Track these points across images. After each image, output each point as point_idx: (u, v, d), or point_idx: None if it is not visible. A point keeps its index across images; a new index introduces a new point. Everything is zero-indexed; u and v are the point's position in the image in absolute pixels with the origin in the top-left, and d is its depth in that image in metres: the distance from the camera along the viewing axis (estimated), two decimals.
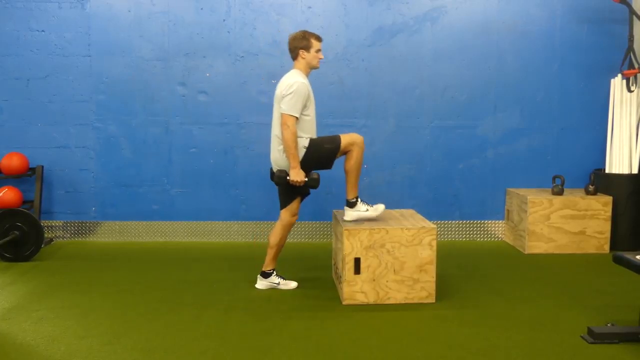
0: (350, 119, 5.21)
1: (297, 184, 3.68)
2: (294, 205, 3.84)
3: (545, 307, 3.57)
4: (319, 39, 3.80)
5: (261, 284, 3.93)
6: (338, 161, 5.23)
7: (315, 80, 4.99)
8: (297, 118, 3.63)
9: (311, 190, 3.91)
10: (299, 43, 3.76)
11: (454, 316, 3.41)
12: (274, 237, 3.88)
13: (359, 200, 3.84)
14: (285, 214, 3.87)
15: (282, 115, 3.64)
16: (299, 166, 3.67)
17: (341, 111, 5.21)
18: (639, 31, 5.09)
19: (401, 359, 2.85)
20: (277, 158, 3.78)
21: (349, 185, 3.84)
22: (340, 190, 5.21)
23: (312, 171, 3.77)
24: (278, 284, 3.91)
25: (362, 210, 3.81)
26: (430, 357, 2.87)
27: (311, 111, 3.77)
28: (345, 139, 3.77)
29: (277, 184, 3.79)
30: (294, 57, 3.81)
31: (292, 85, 3.64)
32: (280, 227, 3.87)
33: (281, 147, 3.73)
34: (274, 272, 3.94)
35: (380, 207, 3.84)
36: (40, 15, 5.10)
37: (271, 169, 3.88)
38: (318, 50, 3.79)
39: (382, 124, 5.22)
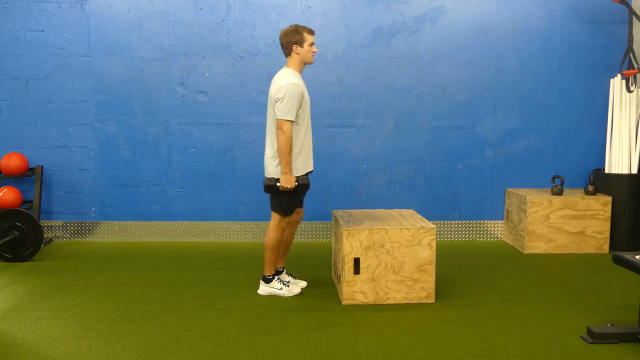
0: (349, 119, 5.20)
1: (288, 190, 3.57)
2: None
3: (544, 307, 3.57)
4: (311, 32, 3.62)
5: (262, 289, 3.80)
6: (337, 162, 5.25)
7: (315, 81, 5.01)
8: (292, 121, 3.50)
9: (312, 190, 3.89)
10: (292, 38, 3.58)
11: (453, 316, 3.41)
12: (266, 238, 3.76)
13: (276, 278, 3.77)
14: (275, 217, 3.70)
15: (277, 120, 3.51)
16: (290, 172, 3.54)
17: (340, 111, 5.21)
18: (639, 31, 5.09)
19: (400, 359, 2.85)
20: (266, 164, 3.65)
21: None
22: (340, 191, 5.24)
23: (302, 175, 3.64)
24: (280, 289, 3.76)
25: (276, 287, 3.75)
26: (429, 357, 2.87)
27: (305, 112, 3.61)
28: (283, 220, 3.68)
29: (266, 192, 3.64)
30: (287, 53, 3.63)
31: (283, 88, 3.47)
32: (271, 228, 3.73)
33: (270, 151, 3.60)
34: (279, 274, 3.86)
35: (299, 285, 3.82)
36: (39, 16, 5.10)
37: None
38: (312, 44, 3.61)
39: (381, 124, 5.22)
